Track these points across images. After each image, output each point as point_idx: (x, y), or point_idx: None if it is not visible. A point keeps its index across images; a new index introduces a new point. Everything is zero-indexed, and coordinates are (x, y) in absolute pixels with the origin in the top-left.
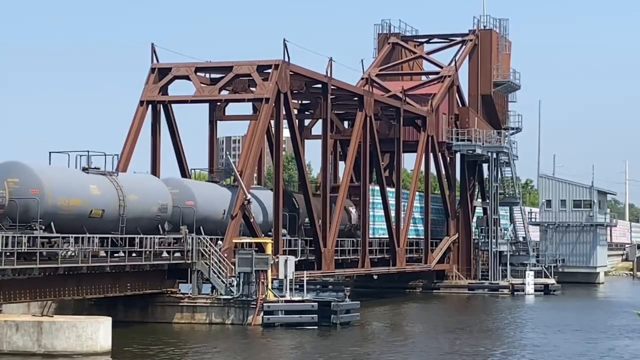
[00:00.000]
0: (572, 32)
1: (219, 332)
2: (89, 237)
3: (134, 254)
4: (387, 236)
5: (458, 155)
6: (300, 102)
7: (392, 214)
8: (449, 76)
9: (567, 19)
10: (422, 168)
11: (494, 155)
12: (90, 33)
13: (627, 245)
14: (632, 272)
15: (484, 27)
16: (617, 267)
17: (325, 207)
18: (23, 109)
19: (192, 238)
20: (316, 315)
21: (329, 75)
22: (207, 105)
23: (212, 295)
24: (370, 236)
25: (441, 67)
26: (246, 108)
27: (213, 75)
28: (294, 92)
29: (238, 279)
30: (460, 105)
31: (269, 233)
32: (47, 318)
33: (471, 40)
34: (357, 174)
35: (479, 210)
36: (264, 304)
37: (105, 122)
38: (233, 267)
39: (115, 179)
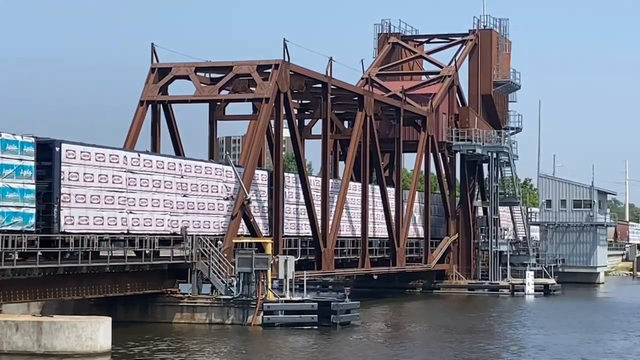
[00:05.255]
0: (572, 32)
1: (219, 332)
2: (89, 238)
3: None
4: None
5: (458, 155)
6: (300, 102)
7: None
8: (449, 76)
9: (567, 19)
10: (422, 168)
11: (494, 155)
12: (90, 33)
13: (627, 245)
14: (632, 272)
15: (484, 27)
16: (617, 267)
17: (325, 207)
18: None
19: (192, 238)
20: (316, 315)
21: (329, 75)
22: (207, 105)
23: (212, 295)
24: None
25: (441, 67)
26: (246, 108)
27: (213, 75)
28: (294, 92)
29: (238, 279)
30: (460, 105)
31: None
32: (47, 318)
33: (471, 40)
34: (357, 174)
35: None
36: (264, 304)
37: (105, 122)
38: (233, 267)
39: None
